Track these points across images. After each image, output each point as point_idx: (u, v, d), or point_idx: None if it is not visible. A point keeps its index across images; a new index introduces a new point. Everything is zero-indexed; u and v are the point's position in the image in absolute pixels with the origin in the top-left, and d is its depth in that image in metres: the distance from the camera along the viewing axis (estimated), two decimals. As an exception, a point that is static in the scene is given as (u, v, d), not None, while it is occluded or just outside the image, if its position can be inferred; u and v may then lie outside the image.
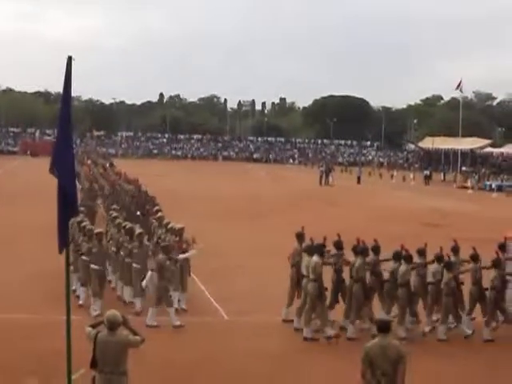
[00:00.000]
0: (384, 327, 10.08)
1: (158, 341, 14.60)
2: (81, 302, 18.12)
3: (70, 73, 9.92)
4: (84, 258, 18.29)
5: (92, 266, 17.80)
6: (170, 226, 19.84)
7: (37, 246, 25.60)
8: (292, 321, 17.19)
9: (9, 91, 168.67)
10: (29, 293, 19.46)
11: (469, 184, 75.19)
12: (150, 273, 17.49)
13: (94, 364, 9.81)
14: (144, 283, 17.51)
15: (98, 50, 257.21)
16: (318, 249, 16.78)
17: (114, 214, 22.73)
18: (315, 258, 16.47)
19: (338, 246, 17.77)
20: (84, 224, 19.37)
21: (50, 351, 14.01)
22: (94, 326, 10.29)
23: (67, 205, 10.07)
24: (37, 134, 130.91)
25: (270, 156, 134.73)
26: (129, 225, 19.83)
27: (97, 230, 18.67)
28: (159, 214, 22.81)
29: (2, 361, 13.91)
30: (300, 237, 18.20)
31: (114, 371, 9.76)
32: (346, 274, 17.57)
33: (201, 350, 15.34)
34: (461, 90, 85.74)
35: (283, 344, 16.26)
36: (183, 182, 62.26)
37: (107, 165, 58.10)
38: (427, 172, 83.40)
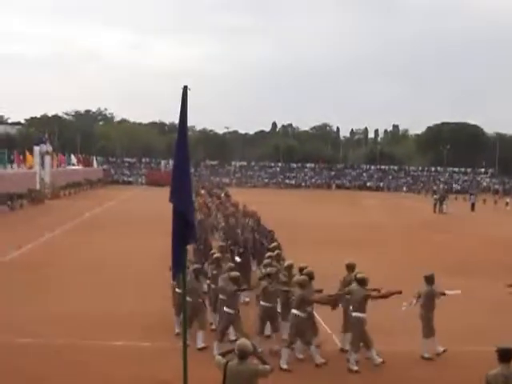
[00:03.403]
0: (506, 356, 9.93)
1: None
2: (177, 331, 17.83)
3: (185, 102, 10.01)
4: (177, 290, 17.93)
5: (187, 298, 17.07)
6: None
7: (152, 271, 25.95)
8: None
9: (124, 122, 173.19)
10: (140, 319, 19.87)
11: None
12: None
13: (223, 392, 9.99)
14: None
15: (210, 80, 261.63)
16: None
17: (217, 254, 20.59)
18: None
19: None
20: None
21: (159, 378, 14.44)
22: (223, 355, 10.45)
23: (185, 231, 10.15)
24: (162, 164, 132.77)
25: (383, 184, 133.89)
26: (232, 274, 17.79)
27: (193, 267, 18.18)
28: (277, 251, 21.49)
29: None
30: None
31: None
32: None
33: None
34: None
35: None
36: (298, 211, 62.62)
37: (222, 195, 58.34)
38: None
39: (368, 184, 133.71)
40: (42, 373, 14.99)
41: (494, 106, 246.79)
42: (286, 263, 18.93)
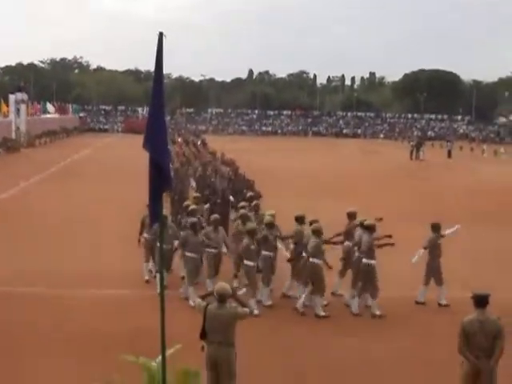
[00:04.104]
0: (482, 302, 10.01)
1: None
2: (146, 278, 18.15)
3: (161, 49, 9.47)
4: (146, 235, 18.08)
5: (187, 253, 16.94)
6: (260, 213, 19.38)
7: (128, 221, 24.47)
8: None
9: (99, 70, 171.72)
10: (119, 268, 19.72)
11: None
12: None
13: (203, 335, 10.10)
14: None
15: (186, 27, 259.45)
16: None
17: (193, 205, 19.61)
18: None
19: None
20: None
21: (142, 326, 14.26)
22: (203, 298, 10.69)
23: (161, 178, 9.71)
24: (140, 111, 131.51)
25: (360, 131, 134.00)
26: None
27: (191, 220, 17.57)
28: (255, 201, 20.96)
29: (94, 334, 14.21)
30: None
31: (223, 342, 10.05)
32: None
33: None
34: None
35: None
36: (276, 159, 62.14)
37: (199, 142, 57.90)
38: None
39: (344, 131, 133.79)
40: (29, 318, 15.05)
41: (471, 53, 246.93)
42: (267, 213, 18.44)
